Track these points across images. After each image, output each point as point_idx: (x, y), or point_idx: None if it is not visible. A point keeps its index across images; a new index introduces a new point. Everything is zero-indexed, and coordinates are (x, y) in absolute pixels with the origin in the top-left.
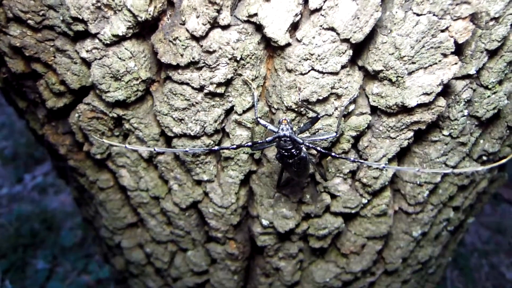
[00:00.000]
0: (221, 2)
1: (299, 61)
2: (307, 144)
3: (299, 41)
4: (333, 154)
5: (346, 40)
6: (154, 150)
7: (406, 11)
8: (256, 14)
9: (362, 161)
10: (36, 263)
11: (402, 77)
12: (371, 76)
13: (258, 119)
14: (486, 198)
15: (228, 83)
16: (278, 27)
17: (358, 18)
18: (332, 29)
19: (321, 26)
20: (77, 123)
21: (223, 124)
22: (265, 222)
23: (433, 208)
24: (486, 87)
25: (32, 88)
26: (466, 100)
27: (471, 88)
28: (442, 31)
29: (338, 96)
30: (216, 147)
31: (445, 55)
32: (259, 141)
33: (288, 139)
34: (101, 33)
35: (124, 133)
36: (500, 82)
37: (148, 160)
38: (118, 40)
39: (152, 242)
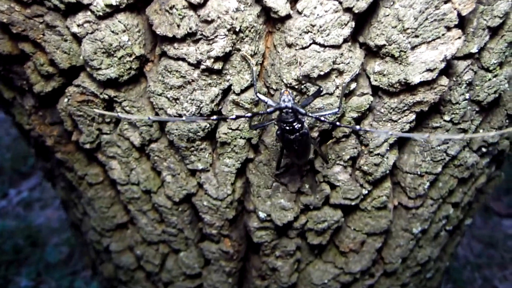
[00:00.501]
0: None
1: (300, 34)
2: (310, 115)
3: (299, 13)
4: (337, 123)
5: (348, 10)
6: (149, 119)
7: None
8: None
9: (367, 129)
10: (20, 281)
11: (405, 51)
12: (372, 54)
13: (258, 94)
14: (483, 198)
15: (226, 58)
16: None
17: None
18: None
19: None
20: (66, 109)
21: (220, 107)
22: (262, 215)
23: (433, 203)
24: (487, 69)
25: (19, 73)
26: (467, 82)
27: (473, 70)
28: (446, 2)
29: (340, 73)
30: (215, 116)
31: (448, 28)
32: (260, 112)
33: (290, 110)
34: (94, 4)
35: (116, 119)
36: (500, 65)
37: (140, 149)
38: (111, 12)
39: (142, 244)
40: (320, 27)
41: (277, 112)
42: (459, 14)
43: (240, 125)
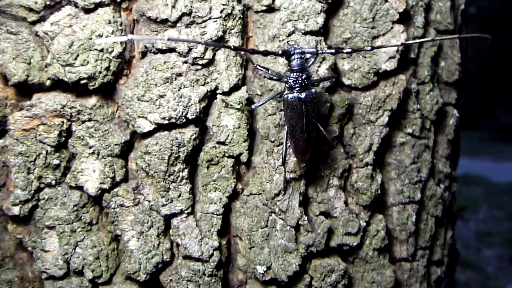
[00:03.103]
0: None
1: (282, 24)
2: (320, 51)
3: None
4: (346, 50)
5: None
6: (128, 39)
7: None
8: None
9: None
10: None
11: (368, 41)
12: (340, 57)
13: (257, 66)
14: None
15: (212, 59)
16: None
17: None
18: None
19: None
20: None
21: (206, 117)
22: (261, 269)
23: (423, 254)
24: (424, 83)
25: None
26: (415, 91)
27: (416, 82)
28: (386, 1)
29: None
30: (210, 41)
31: (393, 23)
32: (270, 51)
33: (299, 52)
34: None
35: (68, 158)
36: (432, 78)
37: (95, 203)
38: (96, 5)
39: None
40: (300, 13)
41: (284, 74)
42: (397, 11)
43: (228, 136)
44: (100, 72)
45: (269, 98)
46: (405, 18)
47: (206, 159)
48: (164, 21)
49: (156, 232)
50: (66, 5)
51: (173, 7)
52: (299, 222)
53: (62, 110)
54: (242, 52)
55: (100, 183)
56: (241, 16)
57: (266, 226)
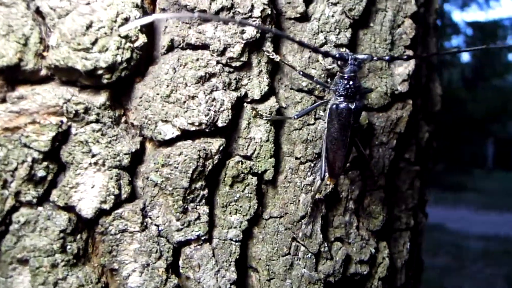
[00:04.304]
0: None
1: (313, 35)
2: (376, 57)
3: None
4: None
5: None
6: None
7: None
8: None
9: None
10: None
11: (386, 62)
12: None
13: (301, 72)
14: None
15: (248, 61)
16: None
17: None
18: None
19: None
20: None
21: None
22: None
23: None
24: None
25: None
26: None
27: None
28: (399, 25)
29: None
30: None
31: (406, 47)
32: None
33: (354, 59)
34: None
35: (57, 169)
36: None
37: (88, 228)
38: None
39: None
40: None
41: (334, 81)
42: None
43: (255, 150)
44: (120, 63)
45: (315, 106)
46: (415, 44)
47: (232, 175)
48: (201, 13)
49: (164, 264)
50: None
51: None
52: (321, 249)
53: (64, 105)
54: (274, 57)
55: (101, 202)
56: (275, 21)
57: (289, 253)
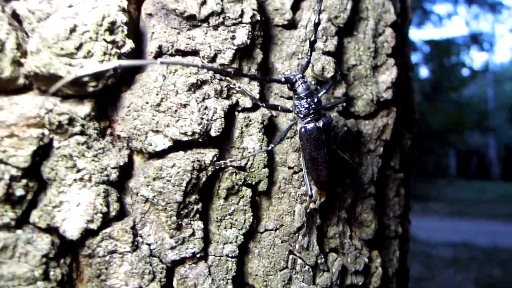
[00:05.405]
0: None
1: (301, 42)
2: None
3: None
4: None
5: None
6: (161, 63)
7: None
8: None
9: None
10: None
11: (370, 70)
12: (343, 85)
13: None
14: None
15: (239, 68)
16: None
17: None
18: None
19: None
20: None
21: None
22: None
23: None
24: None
25: None
26: None
27: None
28: (380, 34)
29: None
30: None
31: (387, 56)
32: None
33: (301, 77)
34: None
35: (37, 187)
36: None
37: (64, 265)
38: None
39: None
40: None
41: (293, 105)
42: (389, 46)
43: (248, 160)
44: (107, 70)
45: (287, 130)
46: (396, 52)
47: (226, 187)
48: (190, 18)
49: (158, 286)
50: None
51: (204, 2)
52: (317, 261)
53: (46, 116)
54: (236, 86)
55: (87, 222)
56: (264, 27)
57: (286, 267)
